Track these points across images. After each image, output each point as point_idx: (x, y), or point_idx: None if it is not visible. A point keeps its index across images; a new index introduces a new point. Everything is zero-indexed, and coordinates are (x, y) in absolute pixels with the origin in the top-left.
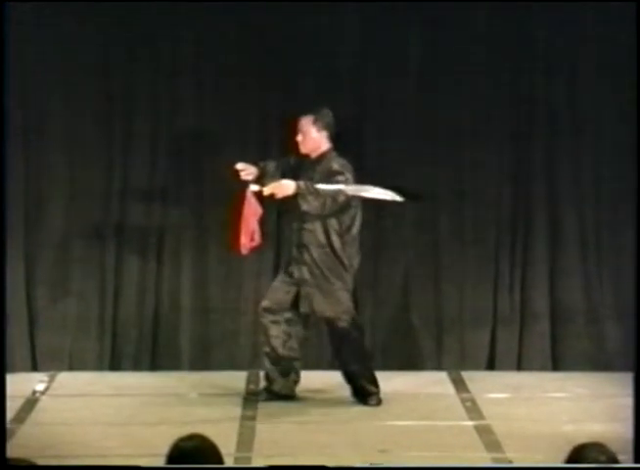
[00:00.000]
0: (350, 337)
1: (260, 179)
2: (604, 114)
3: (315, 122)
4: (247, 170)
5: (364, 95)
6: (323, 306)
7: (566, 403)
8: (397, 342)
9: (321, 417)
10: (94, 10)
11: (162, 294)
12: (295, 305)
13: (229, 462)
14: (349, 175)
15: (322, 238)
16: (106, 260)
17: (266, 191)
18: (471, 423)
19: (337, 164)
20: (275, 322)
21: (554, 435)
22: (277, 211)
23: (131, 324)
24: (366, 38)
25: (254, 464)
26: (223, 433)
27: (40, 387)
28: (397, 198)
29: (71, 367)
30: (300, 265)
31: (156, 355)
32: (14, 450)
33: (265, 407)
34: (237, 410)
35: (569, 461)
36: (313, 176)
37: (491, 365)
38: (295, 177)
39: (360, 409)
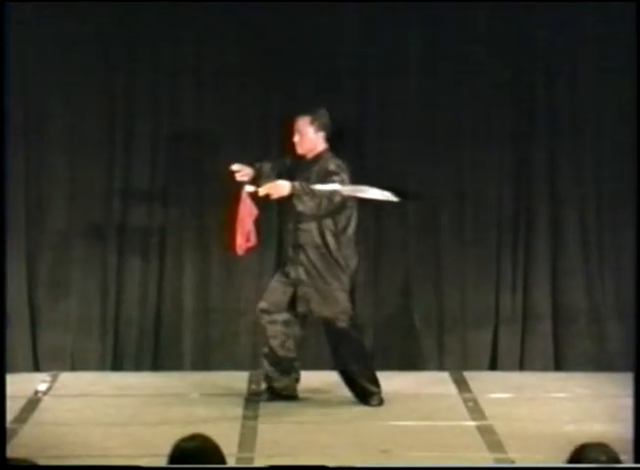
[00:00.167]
0: (350, 337)
1: (256, 180)
2: (604, 114)
3: (312, 123)
4: (242, 171)
5: (364, 95)
6: (321, 307)
7: (568, 404)
8: (399, 342)
9: (322, 417)
10: (94, 10)
11: (164, 294)
12: (292, 305)
13: (231, 462)
14: (345, 176)
15: (318, 238)
16: (107, 260)
17: (261, 192)
18: (473, 423)
19: (333, 164)
20: (273, 323)
21: (556, 435)
22: (278, 211)
23: (133, 324)
24: (366, 38)
25: (256, 464)
26: (225, 433)
27: (42, 387)
28: (393, 198)
29: (73, 367)
30: (297, 266)
31: (157, 356)
32: (15, 450)
33: (267, 407)
34: (238, 410)
35: (570, 461)
36: (309, 177)
37: (493, 365)
38: (291, 178)
39: (362, 409)
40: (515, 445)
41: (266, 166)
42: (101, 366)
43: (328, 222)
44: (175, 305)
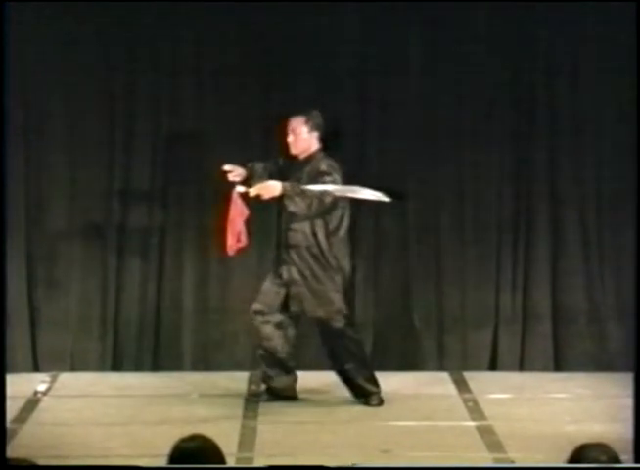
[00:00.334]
0: (346, 337)
1: (248, 180)
2: (604, 114)
3: (307, 123)
4: (234, 172)
5: (364, 95)
6: (314, 307)
7: (568, 404)
8: (399, 342)
9: (322, 417)
10: (94, 10)
11: (164, 294)
12: (285, 306)
13: (231, 462)
14: (337, 176)
15: (310, 239)
16: (107, 260)
17: (252, 192)
18: (473, 423)
19: (325, 164)
20: (267, 324)
21: (556, 435)
22: (277, 212)
23: (133, 324)
24: (366, 38)
25: (256, 464)
26: (225, 433)
27: (42, 387)
28: (384, 198)
29: (73, 368)
30: (289, 266)
31: (157, 356)
32: (15, 450)
33: (266, 408)
34: (238, 411)
35: (570, 461)
36: (301, 177)
37: (493, 366)
38: (283, 178)
39: (362, 409)
40: (515, 445)
41: (258, 167)
42: (101, 366)
43: (320, 223)
44: (175, 306)
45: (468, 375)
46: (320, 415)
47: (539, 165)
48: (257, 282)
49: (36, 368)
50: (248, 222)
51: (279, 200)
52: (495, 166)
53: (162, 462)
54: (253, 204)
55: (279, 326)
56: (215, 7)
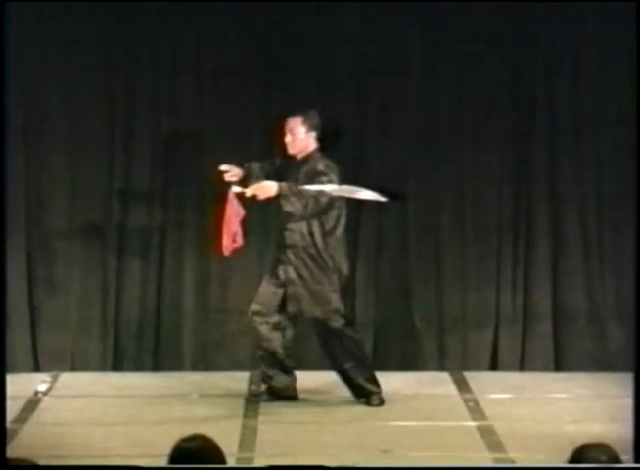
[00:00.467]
0: (344, 336)
1: (245, 180)
2: (604, 114)
3: (304, 123)
4: (231, 172)
5: (364, 95)
6: (311, 307)
7: (568, 404)
8: (399, 342)
9: (323, 417)
10: (94, 10)
11: (164, 294)
12: (283, 306)
13: (231, 462)
14: (334, 176)
15: (307, 239)
16: (107, 261)
17: (248, 192)
18: (473, 423)
19: (322, 164)
20: (266, 325)
21: (556, 435)
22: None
23: (133, 324)
24: (366, 38)
25: (256, 464)
26: (225, 433)
27: (42, 387)
28: (381, 198)
29: (74, 368)
30: (286, 266)
31: (158, 356)
32: (16, 450)
33: (267, 408)
34: (239, 411)
35: (571, 461)
36: (298, 177)
37: (494, 366)
38: (280, 178)
39: (362, 409)
40: (515, 445)
41: (255, 167)
42: (101, 366)
43: (316, 223)
44: (175, 306)
45: (468, 375)
46: (320, 415)
47: (539, 165)
48: (258, 282)
49: (37, 368)
50: (244, 223)
51: (275, 200)
52: (495, 166)
53: (163, 462)
54: (254, 204)
55: (277, 326)
56: (215, 7)
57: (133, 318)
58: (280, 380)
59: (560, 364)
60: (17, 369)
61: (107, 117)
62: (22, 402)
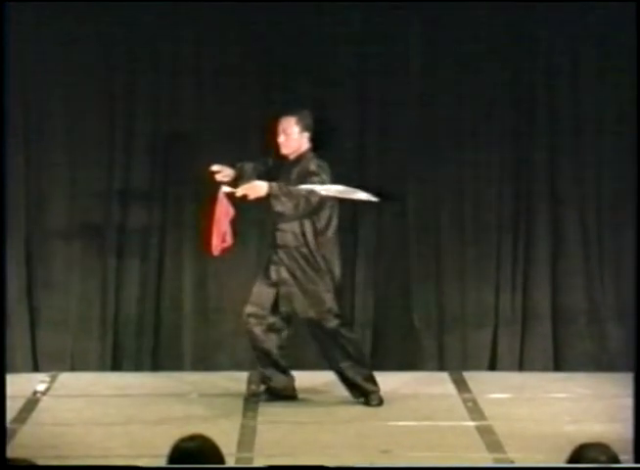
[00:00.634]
0: (341, 336)
1: (237, 181)
2: (604, 114)
3: (298, 123)
4: (223, 172)
5: (364, 95)
6: (305, 307)
7: (568, 404)
8: (398, 342)
9: (322, 417)
10: (94, 10)
11: (164, 294)
12: (277, 306)
13: (230, 462)
14: (325, 176)
15: (298, 239)
16: (107, 260)
17: (239, 192)
18: (472, 423)
19: (314, 164)
20: (260, 326)
21: (556, 435)
22: None
23: (132, 324)
24: (366, 38)
25: (256, 464)
26: (224, 433)
27: (41, 387)
28: (372, 198)
29: (73, 368)
30: (279, 266)
31: (157, 356)
32: (15, 451)
33: (266, 407)
34: (238, 411)
35: (570, 461)
36: (290, 177)
37: (493, 366)
38: (272, 178)
39: (361, 409)
40: (514, 445)
41: (247, 167)
42: (100, 366)
43: (308, 223)
44: (175, 305)
45: (468, 375)
46: (320, 415)
47: (539, 165)
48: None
49: (36, 368)
50: (234, 222)
51: (266, 200)
52: (495, 166)
53: (162, 462)
54: (253, 204)
55: (272, 327)
56: (215, 7)
57: (132, 318)
58: (278, 380)
59: (559, 364)
60: (16, 369)
61: (107, 117)
62: (21, 402)
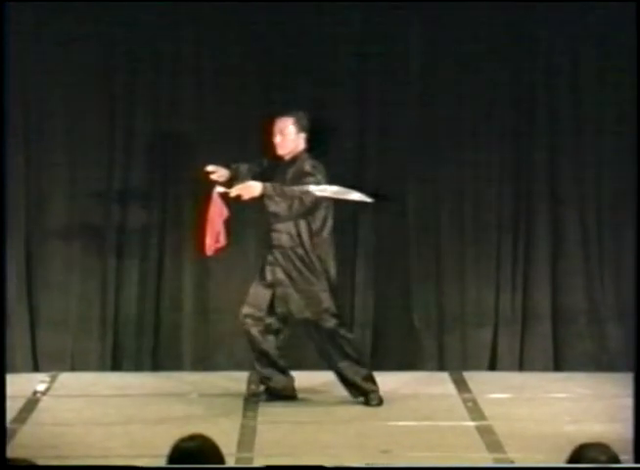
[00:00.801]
0: (338, 336)
1: (232, 181)
2: (604, 114)
3: (295, 124)
4: (218, 172)
5: (364, 95)
6: (301, 308)
7: (568, 404)
8: (398, 342)
9: (322, 417)
10: (94, 10)
11: (163, 294)
12: (273, 307)
13: (230, 462)
14: (320, 177)
15: (294, 239)
16: (106, 260)
17: (232, 192)
18: (472, 423)
19: (309, 165)
20: (257, 326)
21: (556, 435)
22: None
23: (132, 324)
24: (366, 38)
25: (255, 464)
26: (224, 433)
27: (41, 387)
28: (367, 199)
29: (73, 368)
30: (274, 267)
31: (157, 356)
32: (15, 451)
33: (266, 407)
34: (238, 410)
35: (570, 461)
36: (285, 178)
37: (493, 366)
38: (267, 179)
39: (361, 409)
40: (514, 445)
41: (242, 168)
42: (100, 366)
43: (303, 223)
44: (175, 305)
45: (468, 375)
46: (320, 415)
47: (539, 165)
48: None
49: (36, 368)
50: (227, 223)
51: (260, 200)
52: (495, 166)
53: (162, 462)
54: (250, 205)
55: (269, 328)
56: (215, 7)
57: (132, 318)
58: (278, 380)
59: (559, 364)
60: (16, 369)
61: (107, 117)
62: (21, 402)
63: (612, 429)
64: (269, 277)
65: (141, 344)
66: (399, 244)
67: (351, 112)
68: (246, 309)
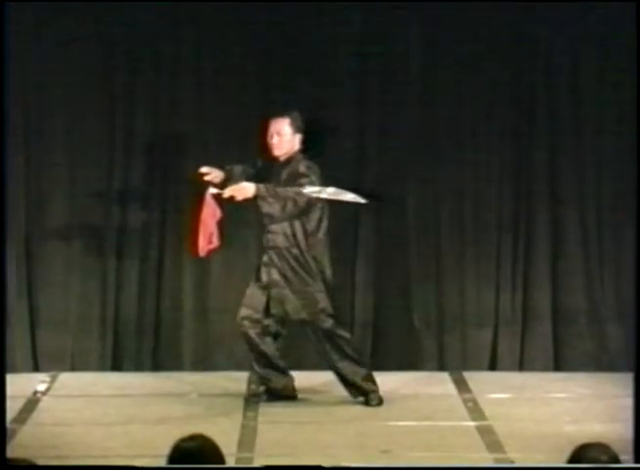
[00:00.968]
0: (336, 336)
1: (226, 182)
2: (604, 114)
3: (291, 125)
4: (212, 173)
5: (364, 95)
6: (297, 309)
7: (568, 404)
8: (399, 342)
9: (322, 417)
10: (94, 10)
11: (164, 294)
12: (269, 308)
13: (230, 462)
14: (315, 177)
15: (289, 240)
16: (107, 260)
17: (226, 193)
18: (472, 423)
19: (303, 166)
20: (255, 328)
21: (556, 435)
22: None
23: (132, 324)
24: (366, 38)
25: (256, 464)
26: (224, 433)
27: (41, 387)
28: (361, 200)
29: (73, 368)
30: (270, 268)
31: (157, 356)
32: (15, 451)
33: (266, 407)
34: (238, 410)
35: (570, 461)
36: (280, 178)
37: (493, 366)
38: (262, 180)
39: (361, 409)
40: (515, 445)
41: (237, 169)
42: (100, 366)
43: (298, 224)
44: (175, 305)
45: (468, 375)
46: (320, 415)
47: (539, 165)
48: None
49: (36, 368)
50: (220, 224)
51: (253, 201)
52: (495, 166)
53: (162, 462)
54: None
55: (267, 330)
56: (215, 7)
57: (132, 318)
58: (278, 381)
59: (560, 364)
60: (16, 369)
61: (107, 117)
62: (21, 402)
63: (612, 429)
64: (265, 278)
65: (141, 344)
66: (399, 244)
67: (351, 112)
68: (243, 311)
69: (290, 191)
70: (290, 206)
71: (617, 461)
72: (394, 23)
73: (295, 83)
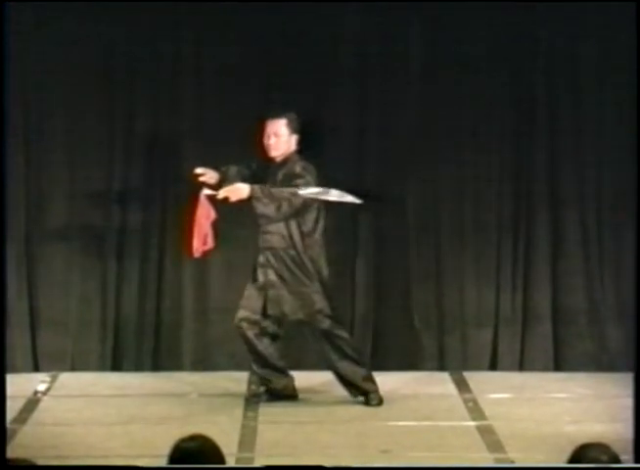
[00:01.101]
0: (334, 336)
1: (221, 183)
2: (604, 114)
3: (288, 125)
4: (206, 174)
5: (364, 95)
6: (294, 309)
7: (568, 404)
8: (399, 342)
9: (322, 417)
10: (94, 10)
11: (164, 294)
12: (266, 309)
13: (231, 462)
14: (310, 178)
15: (286, 240)
16: (107, 261)
17: (220, 194)
18: (473, 423)
19: (299, 166)
20: (253, 329)
21: (556, 435)
22: None
23: (133, 324)
24: (366, 38)
25: (256, 464)
26: (225, 433)
27: (42, 387)
28: (355, 200)
29: (73, 368)
30: (266, 269)
31: (157, 356)
32: (15, 451)
33: (267, 408)
34: (238, 411)
35: (570, 461)
36: (276, 179)
37: (493, 366)
38: (257, 180)
39: (361, 409)
40: (515, 445)
41: (232, 170)
42: (100, 367)
43: (294, 225)
44: (175, 306)
45: (468, 375)
46: (320, 415)
47: (539, 165)
48: None
49: (36, 368)
50: (215, 225)
51: (248, 202)
52: (495, 166)
53: (162, 462)
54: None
55: (265, 331)
56: (215, 7)
57: (133, 318)
58: (278, 381)
59: (560, 364)
60: (16, 369)
61: (107, 117)
62: (21, 402)
63: (612, 429)
64: (261, 279)
65: (141, 344)
66: (399, 244)
67: (351, 112)
68: (241, 313)
69: (285, 192)
70: (285, 206)
71: (618, 461)
72: (394, 23)
73: (295, 83)
